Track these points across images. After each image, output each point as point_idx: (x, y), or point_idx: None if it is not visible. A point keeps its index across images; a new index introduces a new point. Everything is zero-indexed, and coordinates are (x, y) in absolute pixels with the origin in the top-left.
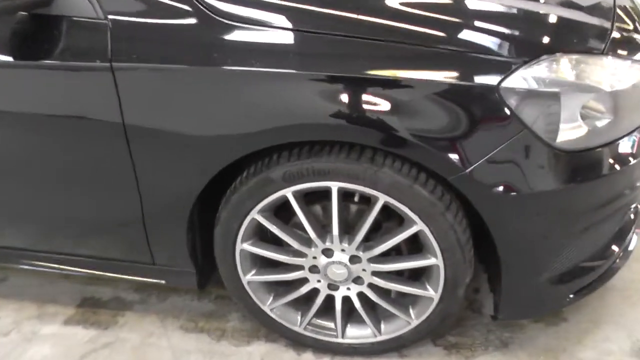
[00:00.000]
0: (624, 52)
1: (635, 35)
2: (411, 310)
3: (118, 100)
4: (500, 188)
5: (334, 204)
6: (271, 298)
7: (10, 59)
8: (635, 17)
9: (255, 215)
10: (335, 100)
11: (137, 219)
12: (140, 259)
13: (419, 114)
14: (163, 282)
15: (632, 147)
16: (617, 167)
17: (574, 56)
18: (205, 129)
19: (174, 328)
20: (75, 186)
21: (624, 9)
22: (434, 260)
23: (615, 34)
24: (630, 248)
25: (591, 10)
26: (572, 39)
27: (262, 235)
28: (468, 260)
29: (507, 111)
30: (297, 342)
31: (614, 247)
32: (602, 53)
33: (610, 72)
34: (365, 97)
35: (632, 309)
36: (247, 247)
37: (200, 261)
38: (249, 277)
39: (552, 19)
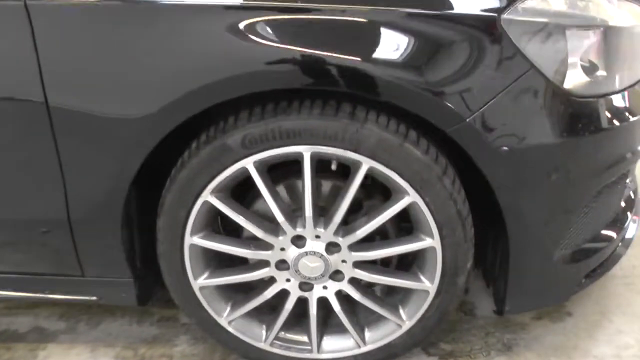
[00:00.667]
0: None
1: None
2: (401, 311)
3: (35, 51)
4: (507, 140)
5: (306, 174)
6: (229, 308)
7: None
8: None
9: (207, 197)
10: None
11: (61, 218)
12: (66, 270)
13: (406, 52)
14: (94, 298)
15: (633, 101)
16: (624, 120)
17: None
18: (142, 82)
19: (107, 358)
20: None
21: None
22: (430, 241)
23: None
24: (629, 236)
25: None
26: None
27: (215, 228)
28: (469, 238)
29: (511, 47)
30: None
31: (614, 233)
32: None
33: (608, 8)
34: (336, 32)
35: (639, 296)
36: (198, 240)
37: (140, 269)
38: (201, 282)
39: None
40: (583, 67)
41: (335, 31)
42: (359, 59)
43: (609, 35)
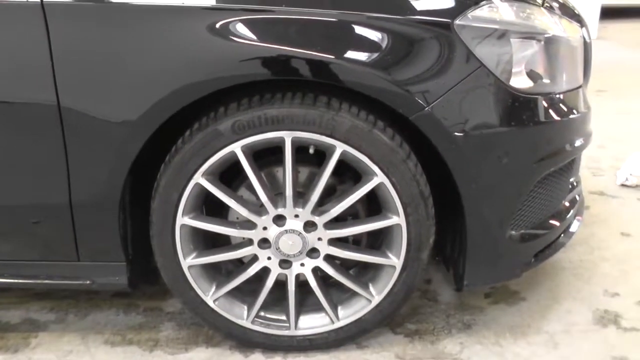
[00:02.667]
0: (559, 11)
1: (565, 3)
2: (371, 287)
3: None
4: (461, 126)
5: (287, 157)
6: (214, 287)
7: None
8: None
9: (199, 179)
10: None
11: (63, 205)
12: (62, 255)
13: (378, 51)
14: (88, 282)
15: (571, 102)
16: (563, 116)
17: (516, 2)
18: (143, 76)
19: (97, 344)
20: None
21: None
22: (396, 219)
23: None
24: (572, 230)
25: None
26: None
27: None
28: (431, 216)
29: (463, 48)
30: (245, 340)
31: (557, 222)
32: (542, 5)
33: (548, 21)
34: (335, 34)
35: (586, 284)
36: (189, 221)
37: (132, 253)
38: (190, 261)
39: None
40: (527, 74)
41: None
42: (331, 55)
43: (549, 44)
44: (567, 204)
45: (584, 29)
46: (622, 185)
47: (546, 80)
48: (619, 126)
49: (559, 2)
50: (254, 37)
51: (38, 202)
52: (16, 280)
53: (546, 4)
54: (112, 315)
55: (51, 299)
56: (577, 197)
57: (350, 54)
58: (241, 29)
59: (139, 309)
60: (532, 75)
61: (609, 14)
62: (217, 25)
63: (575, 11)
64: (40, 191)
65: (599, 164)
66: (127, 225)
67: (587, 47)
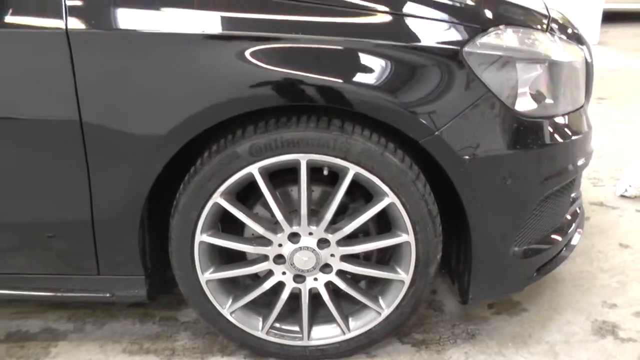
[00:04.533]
0: (562, 35)
1: (567, 25)
2: (381, 300)
3: (72, 71)
4: (469, 149)
5: (302, 179)
6: (230, 300)
7: None
8: (565, 18)
9: (217, 199)
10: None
11: (85, 220)
12: (84, 269)
13: (396, 78)
14: (107, 295)
15: (574, 124)
16: (566, 138)
17: (522, 29)
18: (164, 100)
19: (115, 353)
20: (7, 183)
21: (556, 12)
22: (405, 236)
23: (553, 18)
24: (574, 243)
25: (536, 5)
26: (519, 16)
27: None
28: (438, 234)
29: (471, 74)
30: (260, 350)
31: (559, 237)
32: (546, 31)
33: (551, 46)
34: (347, 61)
35: (585, 295)
36: (207, 238)
37: (150, 267)
38: (208, 275)
39: (506, 2)
40: (532, 95)
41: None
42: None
43: (552, 68)
44: (568, 217)
45: (585, 48)
46: (622, 196)
47: (549, 102)
48: (619, 135)
49: (559, 23)
50: (269, 63)
51: (61, 219)
52: (38, 293)
53: (550, 28)
54: (129, 325)
55: (68, 308)
56: (578, 210)
57: (364, 81)
58: (257, 55)
59: (154, 318)
60: (535, 96)
61: (610, 18)
62: (234, 53)
63: (576, 31)
64: (63, 208)
65: (599, 174)
66: (146, 240)
67: (588, 67)
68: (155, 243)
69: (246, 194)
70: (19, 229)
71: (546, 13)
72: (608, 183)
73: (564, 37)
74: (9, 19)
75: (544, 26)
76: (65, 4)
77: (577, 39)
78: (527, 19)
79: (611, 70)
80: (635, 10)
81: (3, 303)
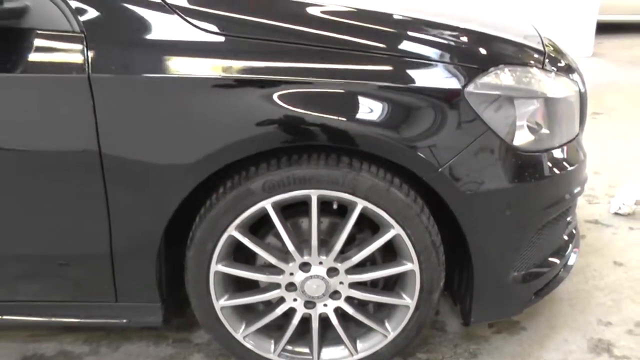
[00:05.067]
0: (555, 69)
1: (560, 57)
2: (387, 323)
3: (94, 114)
4: (470, 184)
5: (313, 213)
6: (243, 325)
7: None
8: (557, 47)
9: (232, 231)
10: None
11: (104, 251)
12: (101, 297)
13: (401, 118)
14: (124, 321)
15: (569, 155)
16: (562, 169)
17: (520, 67)
18: (183, 141)
19: None
20: (30, 219)
21: (549, 41)
22: (410, 265)
23: (548, 54)
24: (570, 263)
25: (530, 38)
26: (516, 54)
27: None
28: (441, 262)
29: (472, 113)
30: None
31: (557, 260)
32: (542, 68)
33: (547, 83)
34: (366, 104)
35: (581, 313)
36: (222, 268)
37: (165, 294)
38: (222, 303)
39: (499, 38)
40: (529, 128)
41: (332, 100)
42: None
43: (548, 103)
44: (565, 237)
45: (578, 78)
46: (616, 213)
47: (546, 136)
48: (614, 151)
49: (553, 56)
50: (280, 105)
51: (81, 250)
52: (57, 319)
53: (545, 64)
54: (144, 347)
55: (83, 331)
56: (574, 231)
57: (371, 121)
58: (269, 98)
59: (168, 340)
60: (532, 131)
61: (604, 29)
62: (248, 96)
63: (570, 60)
64: (83, 239)
65: (595, 191)
66: (162, 268)
67: (582, 96)
68: (170, 270)
69: (258, 224)
70: (38, 258)
71: (541, 48)
72: (603, 200)
73: (558, 71)
74: (36, 64)
75: (540, 63)
76: (87, 52)
77: (570, 69)
78: (523, 57)
79: (606, 84)
80: (630, 22)
81: (18, 326)
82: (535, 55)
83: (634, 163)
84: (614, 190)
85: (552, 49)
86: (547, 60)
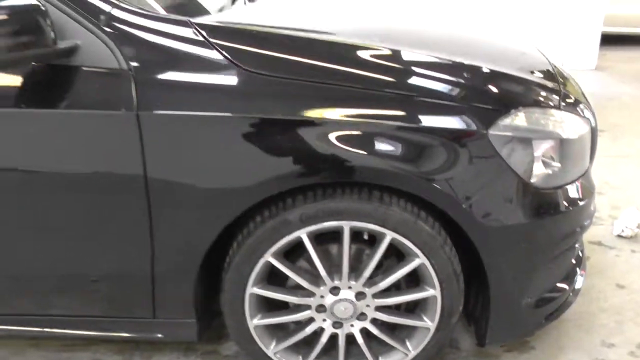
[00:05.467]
0: (571, 108)
1: (572, 92)
2: (408, 343)
3: (142, 149)
4: (491, 219)
5: (345, 242)
6: (274, 342)
7: (25, 108)
8: (568, 78)
9: (268, 257)
10: (373, 146)
11: (145, 272)
12: (139, 313)
13: (429, 157)
14: (160, 336)
15: (581, 190)
16: (574, 204)
17: (538, 109)
18: (227, 176)
19: None
20: (76, 241)
21: (559, 73)
22: (432, 291)
23: (564, 93)
24: (578, 287)
25: (543, 72)
26: (535, 95)
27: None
28: (461, 290)
29: (493, 152)
30: None
31: (566, 285)
32: (558, 108)
33: (563, 123)
34: (388, 143)
35: (587, 334)
36: (257, 290)
37: (200, 311)
38: (256, 322)
39: (518, 78)
40: (543, 162)
41: (369, 140)
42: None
43: (564, 143)
44: (573, 261)
45: (591, 115)
46: (619, 235)
47: (560, 173)
48: (617, 171)
49: (569, 94)
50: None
51: (125, 269)
52: (93, 333)
53: (561, 104)
54: (174, 358)
55: (115, 341)
56: (580, 253)
57: (401, 160)
58: (310, 136)
59: (197, 352)
60: (547, 169)
61: (608, 41)
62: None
63: (583, 97)
64: (127, 260)
65: (599, 212)
66: (198, 287)
67: (593, 132)
68: (204, 287)
69: (291, 247)
70: (79, 276)
71: (557, 86)
72: (606, 221)
73: (572, 109)
74: (86, 100)
75: (557, 103)
76: (135, 90)
77: (582, 104)
78: (541, 98)
79: (610, 99)
80: (634, 34)
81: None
82: (552, 96)
83: (637, 183)
84: (617, 212)
85: (562, 80)
86: (562, 100)
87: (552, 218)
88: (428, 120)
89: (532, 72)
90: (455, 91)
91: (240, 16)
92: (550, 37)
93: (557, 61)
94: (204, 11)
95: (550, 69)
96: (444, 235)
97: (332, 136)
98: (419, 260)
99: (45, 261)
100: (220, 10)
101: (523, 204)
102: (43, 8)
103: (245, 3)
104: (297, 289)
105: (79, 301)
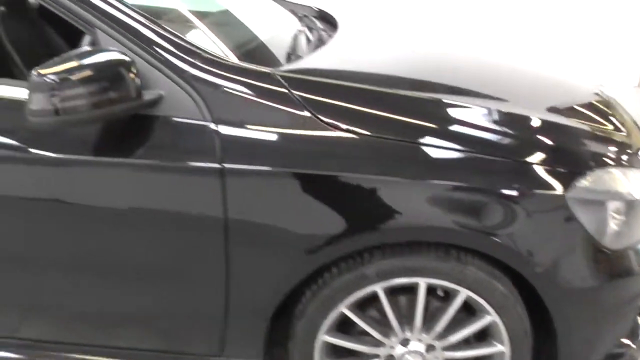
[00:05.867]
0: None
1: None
2: None
3: (224, 201)
4: (563, 282)
5: (420, 298)
6: None
7: (112, 158)
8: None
9: (342, 309)
10: (452, 207)
11: (219, 312)
12: (208, 350)
13: (513, 222)
14: None
15: None
16: None
17: (614, 169)
18: (308, 230)
19: None
20: (153, 280)
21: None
22: (501, 347)
23: (635, 148)
24: None
25: (605, 118)
26: (610, 154)
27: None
28: (529, 349)
29: (570, 215)
30: None
31: (631, 342)
32: (630, 166)
33: (635, 184)
34: (474, 206)
35: None
36: (328, 338)
37: (266, 350)
38: None
39: (595, 136)
40: (615, 229)
41: (451, 202)
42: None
43: (632, 204)
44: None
45: None
46: None
47: (630, 235)
48: None
49: (631, 138)
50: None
51: (201, 310)
52: None
53: (633, 162)
54: None
55: None
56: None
57: (480, 223)
58: (401, 198)
59: None
60: (618, 230)
61: None
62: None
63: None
64: (202, 300)
65: None
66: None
67: None
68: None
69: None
70: (157, 314)
71: (624, 140)
72: None
73: None
74: (170, 151)
75: (629, 162)
76: (219, 142)
77: None
78: (614, 157)
79: None
80: None
81: None
82: (621, 152)
83: None
84: None
85: (624, 127)
86: (634, 157)
87: (624, 279)
88: (507, 182)
89: (597, 121)
90: (537, 153)
91: (317, 64)
92: (589, 54)
93: (597, 80)
94: (276, 61)
95: (610, 112)
96: (516, 295)
97: (423, 199)
98: (491, 317)
99: (123, 296)
100: (288, 59)
101: (597, 265)
102: (129, 60)
103: (289, 58)
104: (365, 335)
105: (145, 334)
